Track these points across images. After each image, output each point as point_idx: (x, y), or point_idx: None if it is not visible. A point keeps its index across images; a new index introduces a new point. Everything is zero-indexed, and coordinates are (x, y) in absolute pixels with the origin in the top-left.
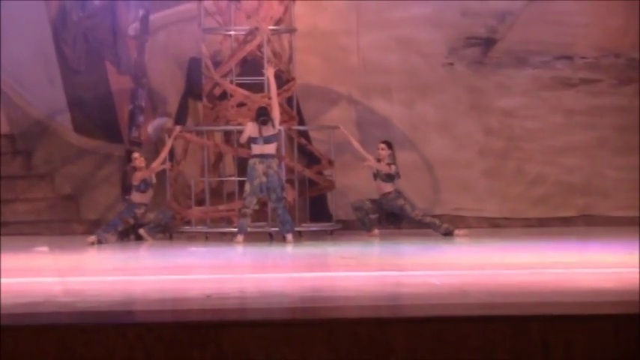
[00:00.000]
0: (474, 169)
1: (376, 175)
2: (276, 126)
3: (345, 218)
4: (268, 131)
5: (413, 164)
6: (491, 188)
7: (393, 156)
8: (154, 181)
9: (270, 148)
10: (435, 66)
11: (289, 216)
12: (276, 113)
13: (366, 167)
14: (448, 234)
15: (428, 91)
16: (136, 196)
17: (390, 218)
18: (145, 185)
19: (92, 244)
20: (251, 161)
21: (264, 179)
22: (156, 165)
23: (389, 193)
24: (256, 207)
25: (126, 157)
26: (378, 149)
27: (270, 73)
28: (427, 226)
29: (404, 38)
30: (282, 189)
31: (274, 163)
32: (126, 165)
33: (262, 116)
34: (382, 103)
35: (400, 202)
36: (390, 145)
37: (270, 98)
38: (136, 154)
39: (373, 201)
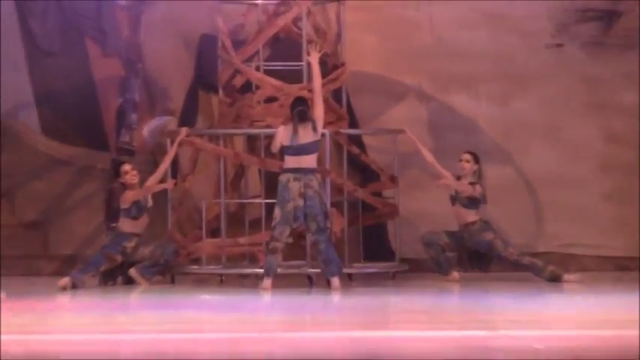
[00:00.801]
0: (592, 189)
1: (455, 199)
2: (319, 129)
3: (413, 256)
4: (307, 136)
5: (506, 183)
6: (617, 217)
7: (479, 172)
8: (151, 203)
9: (310, 160)
10: (536, 48)
11: (335, 253)
12: (319, 112)
13: (441, 187)
14: (555, 279)
15: (527, 83)
16: (125, 224)
17: (475, 258)
18: (137, 209)
19: (64, 289)
20: (283, 177)
21: (300, 202)
22: (153, 182)
23: (472, 223)
24: (289, 240)
25: (112, 171)
26: (461, 160)
27: (313, 56)
28: (526, 268)
29: (494, 11)
30: (326, 216)
31: (315, 180)
32: (112, 181)
33: (300, 109)
34: (464, 98)
35: (488, 235)
36: (475, 158)
37: (311, 91)
38: (126, 166)
39: (451, 234)
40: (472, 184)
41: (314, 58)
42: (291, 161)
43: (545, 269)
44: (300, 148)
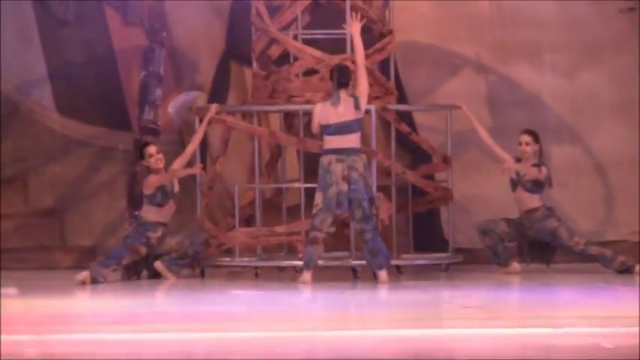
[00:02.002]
0: None
1: (516, 183)
2: (363, 106)
3: (469, 246)
4: (349, 113)
5: (573, 165)
6: None
7: (541, 153)
8: (177, 188)
9: (354, 139)
10: (608, 13)
11: (382, 243)
12: (362, 87)
13: (503, 172)
14: (626, 270)
15: (598, 53)
16: (149, 212)
17: (537, 248)
18: (162, 196)
19: (83, 283)
20: (325, 159)
21: (344, 187)
22: (180, 164)
23: (535, 209)
24: (331, 229)
25: (135, 152)
26: (520, 143)
27: (354, 27)
28: (594, 259)
29: None
30: (372, 202)
31: (360, 161)
32: (135, 164)
33: (343, 78)
34: (527, 70)
35: (552, 223)
36: (537, 138)
37: (354, 63)
38: (150, 148)
39: (511, 221)
40: (536, 166)
41: (355, 29)
42: (332, 141)
43: (615, 260)
44: (341, 126)
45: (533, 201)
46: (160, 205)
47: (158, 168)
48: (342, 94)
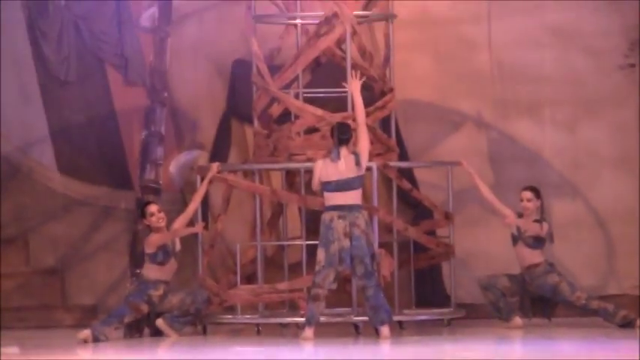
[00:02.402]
0: None
1: (517, 238)
2: (364, 163)
3: (470, 301)
4: (351, 170)
5: (574, 219)
6: None
7: (542, 209)
8: (179, 247)
9: (355, 196)
10: (608, 69)
11: (384, 299)
12: (363, 144)
13: (507, 227)
14: (628, 325)
15: (597, 108)
16: (151, 270)
17: (538, 303)
18: (164, 254)
19: (85, 342)
20: (326, 216)
21: (346, 243)
22: (181, 223)
23: (536, 265)
24: (333, 286)
25: (137, 211)
26: (522, 200)
27: (354, 86)
28: (595, 313)
29: (561, 27)
30: (374, 258)
31: (361, 218)
32: (137, 223)
33: (343, 135)
34: (528, 126)
35: (553, 279)
36: (538, 194)
37: (354, 121)
38: (152, 208)
39: (512, 277)
40: (537, 222)
41: (355, 87)
42: (333, 198)
43: (617, 314)
44: (342, 183)
45: (534, 257)
46: (162, 263)
47: (159, 227)
48: (343, 151)
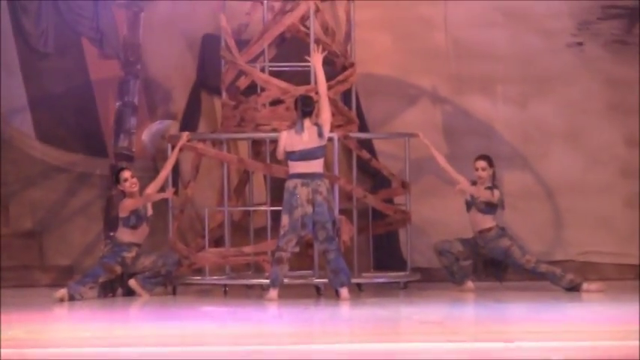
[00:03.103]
0: (613, 195)
1: (471, 205)
2: (326, 134)
3: (426, 265)
4: (313, 141)
5: (524, 189)
6: (638, 223)
7: (495, 177)
8: (150, 212)
9: (317, 165)
10: (557, 48)
11: (344, 262)
12: (325, 116)
13: (457, 193)
14: (573, 288)
15: (546, 84)
16: (124, 234)
17: (490, 266)
18: (136, 218)
19: (61, 300)
20: (290, 183)
21: (308, 209)
22: (153, 189)
23: (488, 230)
24: (296, 249)
25: (111, 177)
26: (477, 169)
27: (316, 59)
28: (544, 276)
29: (513, 8)
30: (335, 224)
31: (323, 185)
32: (111, 188)
33: (306, 108)
34: (481, 101)
35: (504, 242)
36: (491, 162)
37: (317, 93)
38: (125, 174)
39: (465, 241)
40: (489, 189)
41: (317, 61)
42: (297, 166)
43: (564, 278)
44: (306, 153)
45: (486, 221)
46: (135, 227)
47: (132, 192)
48: (306, 122)
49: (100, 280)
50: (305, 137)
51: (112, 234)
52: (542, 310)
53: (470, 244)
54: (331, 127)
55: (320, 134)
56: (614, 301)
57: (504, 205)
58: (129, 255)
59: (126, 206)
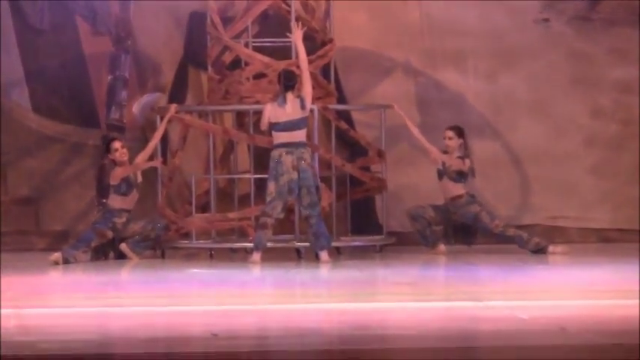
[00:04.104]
0: (578, 164)
1: (442, 173)
2: (308, 106)
3: (400, 230)
4: (296, 112)
5: (494, 158)
6: (601, 190)
7: (465, 147)
8: (140, 179)
9: (300, 134)
10: (524, 24)
11: (325, 227)
12: (306, 89)
13: (432, 161)
14: (539, 251)
15: (515, 59)
16: (115, 200)
17: (461, 231)
18: (127, 186)
19: (56, 263)
20: (275, 152)
21: (294, 175)
22: (143, 158)
23: (459, 196)
24: (281, 215)
25: (103, 147)
26: (445, 138)
27: (297, 36)
28: (511, 240)
29: None
30: (318, 189)
31: (307, 153)
32: (103, 158)
33: (289, 82)
34: (452, 74)
35: (474, 208)
36: (461, 133)
37: (298, 67)
38: (116, 144)
39: (437, 207)
40: (460, 158)
41: (298, 37)
42: (281, 137)
43: (530, 241)
44: (289, 124)
45: (457, 189)
46: (125, 194)
47: (123, 161)
48: (289, 95)
49: (93, 244)
50: (288, 109)
51: (103, 201)
52: (510, 271)
53: (441, 210)
54: (312, 99)
55: (303, 106)
56: (578, 263)
57: (475, 174)
58: (119, 220)
59: (116, 174)
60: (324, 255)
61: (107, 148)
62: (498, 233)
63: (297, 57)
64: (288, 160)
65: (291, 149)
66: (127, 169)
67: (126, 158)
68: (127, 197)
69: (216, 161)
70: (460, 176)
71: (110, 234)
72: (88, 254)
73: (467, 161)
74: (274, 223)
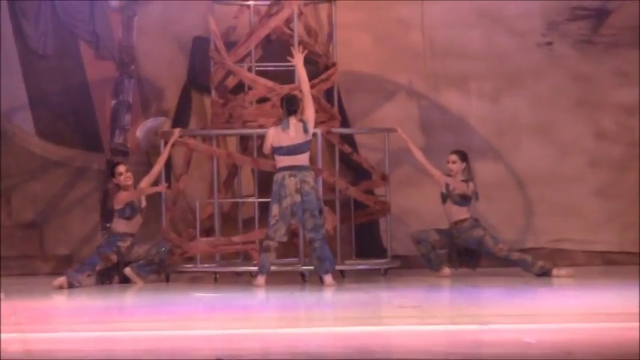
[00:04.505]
0: (582, 186)
1: (446, 196)
2: (310, 130)
3: (404, 253)
4: (299, 136)
5: (497, 181)
6: (606, 212)
7: (469, 170)
8: (144, 204)
9: (303, 158)
10: (528, 46)
11: (329, 250)
12: (309, 113)
13: (436, 183)
14: (544, 274)
15: (518, 81)
16: (119, 224)
17: (464, 254)
18: (131, 210)
19: (61, 288)
20: (278, 175)
21: (297, 198)
22: (147, 182)
23: (463, 220)
24: (284, 238)
25: (107, 172)
26: (448, 162)
27: (297, 59)
28: (515, 264)
29: (486, 10)
30: (321, 212)
31: (310, 177)
32: (107, 182)
33: (292, 107)
34: (456, 97)
35: (478, 232)
36: (464, 157)
37: (301, 91)
38: (120, 168)
39: (441, 231)
40: (464, 181)
41: (299, 61)
42: (285, 160)
43: (535, 264)
44: (293, 148)
45: (461, 213)
46: (129, 218)
47: (127, 185)
48: (292, 120)
49: (97, 268)
50: (291, 133)
51: (108, 225)
52: (515, 294)
53: (445, 234)
54: (315, 123)
55: (306, 130)
56: (583, 286)
57: (478, 197)
58: (124, 244)
59: (121, 199)
60: (328, 278)
61: (111, 172)
62: (502, 257)
63: (299, 81)
64: (291, 183)
65: (295, 172)
66: (132, 194)
67: (130, 182)
68: (131, 221)
69: (220, 185)
70: (464, 200)
71: (115, 258)
72: (92, 278)
73: (470, 185)
74: (277, 246)
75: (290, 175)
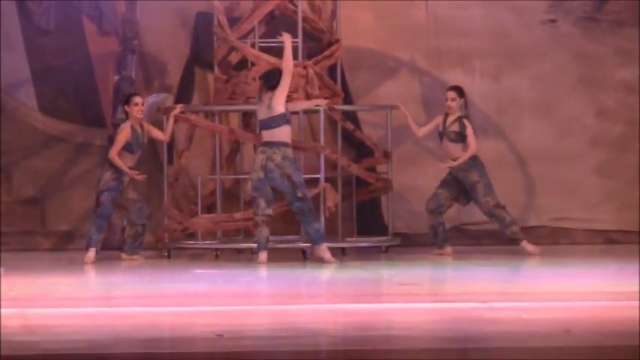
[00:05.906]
0: (583, 164)
1: (442, 135)
2: (275, 105)
3: (406, 231)
4: (270, 111)
5: (499, 158)
6: (606, 191)
7: (466, 106)
8: (146, 139)
9: (277, 133)
10: (530, 24)
11: (317, 222)
12: (281, 88)
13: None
14: (514, 240)
15: (521, 59)
16: (126, 159)
17: (460, 196)
18: (137, 145)
19: (93, 262)
20: (257, 150)
21: (261, 174)
22: (157, 132)
23: (459, 158)
24: (268, 211)
25: (123, 100)
26: (447, 99)
27: (285, 36)
28: (494, 218)
29: None
30: (295, 187)
31: (279, 154)
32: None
33: (268, 82)
34: (458, 74)
35: (474, 176)
36: (461, 92)
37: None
38: (137, 99)
39: (445, 183)
40: (461, 117)
41: (287, 38)
42: (263, 135)
43: (510, 227)
44: (263, 123)
45: (456, 150)
46: (134, 152)
47: (138, 117)
48: (268, 94)
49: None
50: (263, 108)
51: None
52: (515, 273)
53: (449, 182)
54: (321, 99)
55: (269, 105)
56: (585, 264)
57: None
58: (126, 179)
59: (121, 135)
60: (319, 250)
61: (127, 100)
62: (486, 211)
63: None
64: (258, 158)
65: (265, 148)
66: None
67: (141, 116)
68: (135, 155)
69: (222, 161)
70: (458, 137)
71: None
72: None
73: (469, 127)
74: (267, 219)
75: (260, 152)
